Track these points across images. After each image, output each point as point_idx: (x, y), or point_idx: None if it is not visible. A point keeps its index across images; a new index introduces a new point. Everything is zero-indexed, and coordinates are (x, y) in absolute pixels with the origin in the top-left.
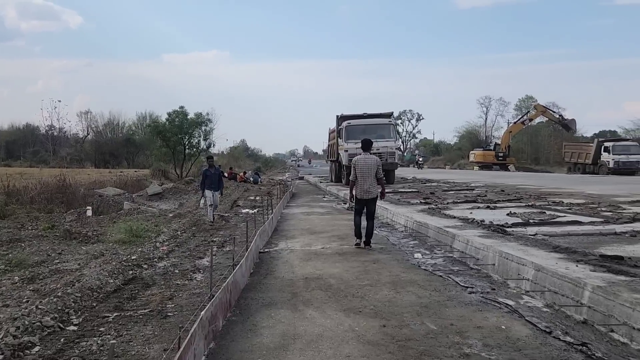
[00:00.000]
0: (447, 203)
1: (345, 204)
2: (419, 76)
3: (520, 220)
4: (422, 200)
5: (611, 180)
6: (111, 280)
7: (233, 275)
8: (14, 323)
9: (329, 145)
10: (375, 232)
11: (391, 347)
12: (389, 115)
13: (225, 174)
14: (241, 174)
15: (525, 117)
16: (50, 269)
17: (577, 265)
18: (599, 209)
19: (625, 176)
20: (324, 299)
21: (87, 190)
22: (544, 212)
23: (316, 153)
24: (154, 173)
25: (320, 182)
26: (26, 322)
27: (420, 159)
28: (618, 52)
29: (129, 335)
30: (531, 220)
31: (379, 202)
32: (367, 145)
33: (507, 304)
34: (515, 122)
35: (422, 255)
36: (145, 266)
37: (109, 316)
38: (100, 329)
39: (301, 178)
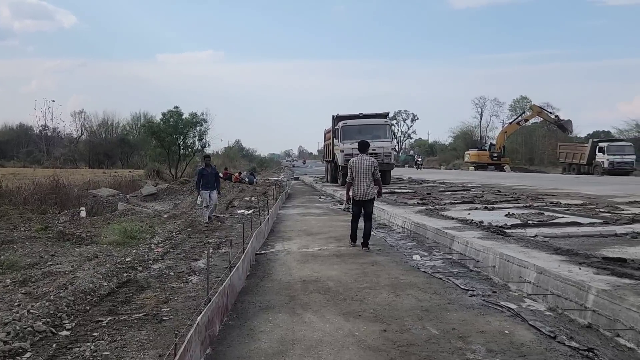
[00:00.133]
0: (445, 204)
1: (342, 204)
2: (414, 76)
3: (519, 222)
4: (419, 201)
5: (606, 181)
6: (105, 283)
7: (230, 278)
8: (5, 328)
9: (324, 145)
10: (372, 233)
11: (393, 352)
12: (385, 115)
13: (221, 175)
14: (236, 174)
15: (520, 118)
16: (43, 271)
17: (580, 268)
18: (597, 209)
19: (620, 176)
20: (322, 302)
21: (81, 191)
22: (543, 213)
23: (311, 153)
24: (149, 173)
25: (316, 182)
26: (17, 327)
27: (420, 160)
28: (611, 53)
29: (123, 341)
30: (530, 222)
31: (375, 203)
32: (363, 147)
33: (509, 307)
34: (510, 123)
35: (420, 257)
36: (139, 268)
37: (102, 320)
38: (94, 334)
39: (297, 178)
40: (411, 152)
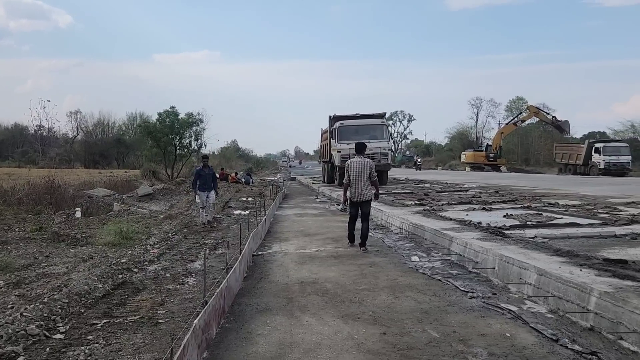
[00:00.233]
0: (442, 204)
1: (339, 205)
2: (411, 77)
3: (517, 223)
4: (417, 202)
5: (603, 182)
6: (100, 285)
7: (227, 280)
8: None
9: (321, 145)
10: (370, 234)
11: (393, 356)
12: (381, 115)
13: (217, 175)
14: (233, 174)
15: (517, 119)
16: (37, 272)
17: (581, 270)
18: (596, 210)
19: (616, 177)
20: (320, 304)
21: (76, 191)
22: (541, 214)
23: (307, 154)
24: (145, 174)
25: (313, 182)
26: (10, 331)
27: (419, 160)
28: (607, 54)
29: (118, 344)
30: (529, 222)
31: (373, 204)
32: (360, 149)
33: (510, 309)
34: (507, 123)
35: (419, 258)
36: (135, 270)
37: (97, 323)
38: (88, 337)
39: (293, 179)
40: (407, 152)
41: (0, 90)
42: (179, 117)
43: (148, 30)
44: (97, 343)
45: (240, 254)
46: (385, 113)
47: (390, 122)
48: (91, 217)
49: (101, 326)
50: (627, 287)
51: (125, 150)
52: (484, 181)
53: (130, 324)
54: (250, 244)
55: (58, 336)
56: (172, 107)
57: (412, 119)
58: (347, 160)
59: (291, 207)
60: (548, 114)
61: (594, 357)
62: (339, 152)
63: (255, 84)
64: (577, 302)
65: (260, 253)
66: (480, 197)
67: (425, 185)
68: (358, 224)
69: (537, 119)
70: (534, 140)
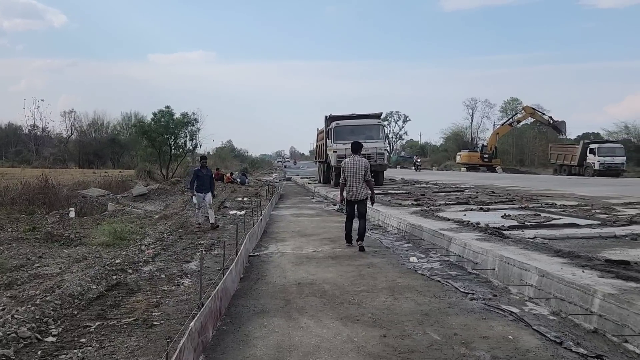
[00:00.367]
0: (439, 205)
1: (335, 205)
2: (406, 78)
3: (516, 223)
4: (414, 202)
5: (598, 182)
6: (94, 286)
7: (223, 281)
8: None
9: (317, 146)
10: (367, 234)
11: (394, 359)
12: (378, 116)
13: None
14: (228, 174)
15: (513, 119)
16: (29, 273)
17: (583, 271)
18: (593, 211)
19: (611, 178)
20: (319, 306)
21: (70, 191)
22: (539, 214)
23: (302, 154)
24: (139, 174)
25: (308, 183)
26: (0, 334)
27: (419, 161)
28: (600, 55)
29: (112, 347)
30: (527, 223)
31: (369, 205)
32: (356, 148)
33: (511, 311)
34: (502, 124)
35: (417, 259)
36: (129, 271)
37: (90, 326)
38: (81, 340)
39: (289, 179)
40: (402, 153)
41: None
42: (174, 116)
43: (143, 30)
44: (90, 346)
45: (237, 254)
46: (381, 113)
47: (386, 123)
48: (85, 217)
49: (95, 328)
50: (631, 288)
51: (120, 150)
52: (479, 182)
53: (125, 326)
54: (246, 245)
55: (50, 339)
56: (167, 107)
57: (408, 119)
58: (342, 160)
59: (287, 207)
60: (544, 114)
61: None
62: (334, 152)
63: (250, 84)
64: (580, 304)
65: (256, 254)
66: (477, 197)
67: (422, 185)
68: (355, 224)
69: (532, 120)
70: (529, 141)
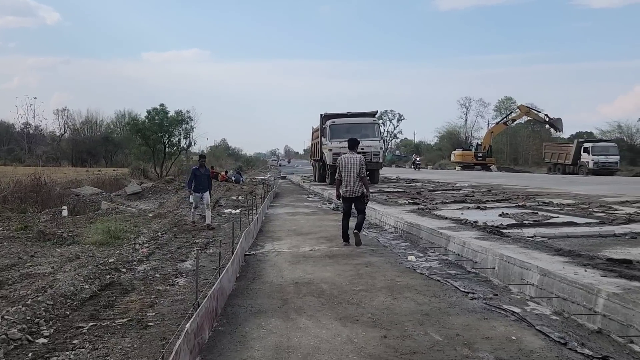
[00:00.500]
0: (436, 203)
1: (331, 204)
2: (400, 77)
3: (514, 222)
4: (410, 200)
5: (593, 181)
6: (87, 286)
7: (219, 281)
8: None
9: (312, 144)
10: (364, 233)
11: None
12: (373, 114)
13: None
14: (223, 173)
15: (507, 118)
16: (21, 273)
17: (585, 270)
18: (591, 209)
19: (605, 176)
20: (317, 306)
21: (63, 190)
22: (536, 213)
23: (297, 153)
24: (133, 172)
25: (304, 181)
26: None
27: (418, 159)
28: (593, 55)
29: (105, 349)
30: (525, 222)
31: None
32: (353, 145)
33: (513, 311)
34: (497, 123)
35: (416, 258)
36: (123, 270)
37: (83, 326)
38: (74, 342)
39: (284, 177)
40: (397, 152)
41: None
42: (168, 115)
43: (137, 28)
44: (83, 348)
45: (233, 253)
46: (376, 111)
47: (380, 122)
48: (78, 216)
49: (87, 329)
50: (635, 288)
51: (114, 149)
52: (475, 180)
53: (119, 327)
54: (242, 243)
55: (41, 340)
56: (162, 105)
57: (402, 118)
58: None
59: (283, 205)
60: (539, 112)
61: None
62: (330, 150)
63: (245, 83)
64: (584, 304)
65: (252, 252)
66: (473, 195)
67: (417, 184)
68: (352, 223)
69: (527, 119)
70: (523, 140)
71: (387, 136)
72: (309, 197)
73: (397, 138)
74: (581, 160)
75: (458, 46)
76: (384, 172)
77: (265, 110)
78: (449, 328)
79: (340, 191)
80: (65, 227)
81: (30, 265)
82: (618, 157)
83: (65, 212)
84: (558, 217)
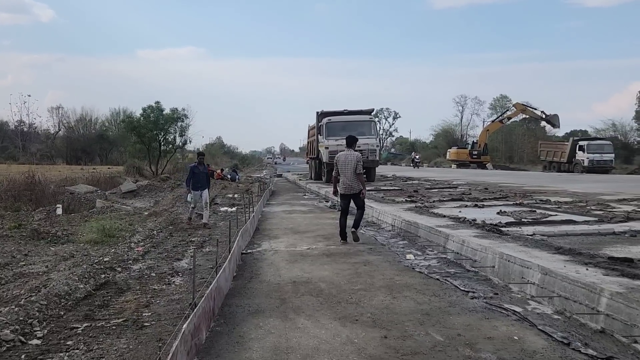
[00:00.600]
0: (433, 201)
1: (328, 202)
2: (396, 75)
3: (512, 220)
4: (407, 199)
5: (589, 179)
6: (81, 285)
7: (216, 280)
8: None
9: (308, 142)
10: (361, 231)
11: None
12: (369, 112)
13: None
14: (218, 171)
15: (503, 116)
16: (14, 272)
17: (587, 269)
18: (589, 207)
19: (600, 175)
20: (315, 305)
21: (57, 188)
22: (535, 211)
23: (292, 150)
24: (128, 170)
25: (300, 179)
26: None
27: (417, 157)
28: (588, 54)
29: (100, 350)
30: (524, 220)
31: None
32: (350, 142)
33: (514, 310)
34: (493, 121)
35: (414, 256)
36: (118, 269)
37: (78, 327)
38: (68, 343)
39: (279, 175)
40: (392, 150)
41: None
42: (164, 112)
43: (131, 25)
44: (77, 349)
45: (230, 252)
46: (373, 109)
47: (377, 119)
48: (73, 214)
49: (82, 330)
50: (638, 287)
51: (108, 146)
52: (471, 178)
53: (114, 327)
54: (239, 242)
55: (35, 342)
56: (157, 103)
57: (398, 116)
58: (334, 156)
59: (279, 203)
60: (535, 109)
61: None
62: (326, 148)
63: (240, 81)
64: (586, 303)
65: (249, 251)
66: (470, 193)
67: (414, 182)
68: (350, 221)
69: (522, 117)
70: (518, 138)
71: (382, 134)
72: (305, 195)
73: (393, 136)
74: (576, 158)
75: (454, 44)
76: (380, 170)
77: (261, 108)
78: (450, 328)
79: (338, 188)
80: (60, 225)
81: (24, 265)
82: (613, 155)
83: (59, 211)
84: (556, 215)
